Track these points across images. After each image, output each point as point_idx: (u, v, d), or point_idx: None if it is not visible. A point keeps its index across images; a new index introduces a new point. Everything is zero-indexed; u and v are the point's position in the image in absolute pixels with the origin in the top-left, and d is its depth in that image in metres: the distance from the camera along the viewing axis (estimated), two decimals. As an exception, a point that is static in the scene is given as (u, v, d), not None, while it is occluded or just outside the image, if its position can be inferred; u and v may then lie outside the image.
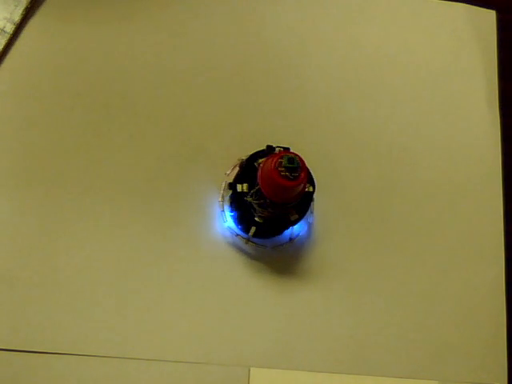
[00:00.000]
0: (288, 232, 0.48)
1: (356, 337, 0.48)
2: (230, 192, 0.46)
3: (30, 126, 0.49)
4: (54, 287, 0.45)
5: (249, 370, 0.46)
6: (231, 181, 0.47)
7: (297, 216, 0.45)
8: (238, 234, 0.48)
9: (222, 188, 0.48)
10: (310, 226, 0.49)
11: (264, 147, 0.46)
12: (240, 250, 0.48)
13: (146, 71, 0.51)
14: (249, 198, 0.44)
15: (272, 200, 0.43)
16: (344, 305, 0.49)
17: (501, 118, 0.56)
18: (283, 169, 0.40)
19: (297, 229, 0.48)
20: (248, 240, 0.47)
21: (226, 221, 0.48)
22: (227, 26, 0.54)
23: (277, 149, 0.46)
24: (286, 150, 0.45)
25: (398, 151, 0.53)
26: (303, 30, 0.55)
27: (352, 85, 0.55)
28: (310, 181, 0.46)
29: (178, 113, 0.51)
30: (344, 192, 0.51)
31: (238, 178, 0.46)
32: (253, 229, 0.46)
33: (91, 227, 0.47)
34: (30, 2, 0.51)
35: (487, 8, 0.59)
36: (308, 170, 0.43)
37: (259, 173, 0.43)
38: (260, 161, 0.45)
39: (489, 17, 0.59)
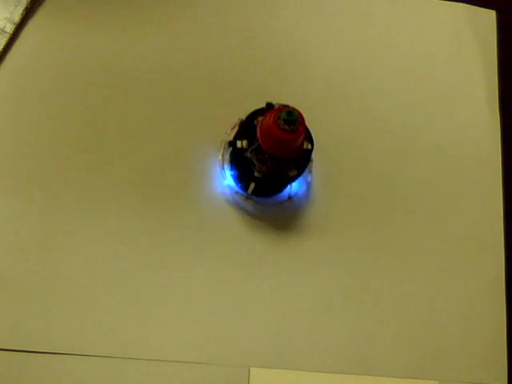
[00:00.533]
0: (287, 190, 0.49)
1: (356, 337, 0.48)
2: (230, 150, 0.47)
3: (30, 126, 0.49)
4: (54, 287, 0.45)
5: (249, 370, 0.46)
6: (231, 139, 0.47)
7: (296, 172, 0.45)
8: (237, 192, 0.48)
9: (222, 147, 0.49)
10: (308, 185, 0.50)
11: (264, 105, 0.46)
12: (240, 207, 0.49)
13: (146, 70, 0.51)
14: (248, 154, 0.44)
15: (271, 155, 0.43)
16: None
17: (501, 118, 0.56)
18: (282, 122, 0.41)
19: (295, 187, 0.49)
20: (247, 198, 0.48)
21: (225, 179, 0.48)
22: (227, 33, 0.54)
23: (276, 106, 0.46)
24: (286, 106, 0.45)
25: (397, 151, 0.53)
26: (303, 29, 0.55)
27: (351, 85, 0.55)
28: (309, 139, 0.46)
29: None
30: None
31: (238, 136, 0.46)
32: (252, 185, 0.46)
33: (91, 227, 0.47)
34: (30, 2, 0.51)
35: (487, 8, 0.59)
36: (307, 127, 0.44)
37: (259, 128, 0.44)
38: (260, 118, 0.45)
39: (489, 17, 0.59)
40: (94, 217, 0.47)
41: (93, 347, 0.45)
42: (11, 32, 0.50)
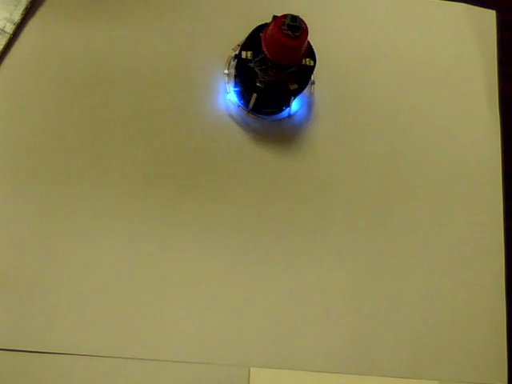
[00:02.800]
0: (287, 111, 0.50)
1: (356, 337, 0.48)
2: (235, 63, 0.48)
3: (29, 126, 0.49)
4: (54, 287, 0.45)
5: (249, 370, 0.46)
6: (237, 53, 0.48)
7: (296, 86, 0.47)
8: (239, 106, 0.50)
9: (228, 62, 0.51)
10: (309, 106, 0.52)
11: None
12: (241, 121, 0.51)
13: (146, 70, 0.51)
14: (252, 64, 0.46)
15: (274, 62, 0.44)
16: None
17: (501, 118, 0.56)
18: (286, 27, 0.43)
19: (296, 106, 0.50)
20: (249, 112, 0.50)
21: (228, 92, 0.50)
22: (227, 33, 0.54)
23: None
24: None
25: (396, 151, 0.53)
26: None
27: (351, 83, 0.55)
28: (312, 56, 0.47)
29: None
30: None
31: (244, 47, 0.47)
32: (254, 96, 0.47)
33: (91, 227, 0.47)
34: (30, 2, 0.51)
35: (487, 8, 0.59)
36: (310, 44, 0.46)
37: (263, 35, 0.45)
38: (266, 29, 0.46)
39: (489, 17, 0.59)
40: (94, 217, 0.47)
41: (93, 347, 0.45)
42: (11, 32, 0.50)
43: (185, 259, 0.48)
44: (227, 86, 0.50)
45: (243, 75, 0.48)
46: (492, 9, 0.59)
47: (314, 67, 0.47)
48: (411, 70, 0.56)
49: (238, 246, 0.48)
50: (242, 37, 0.48)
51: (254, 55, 0.46)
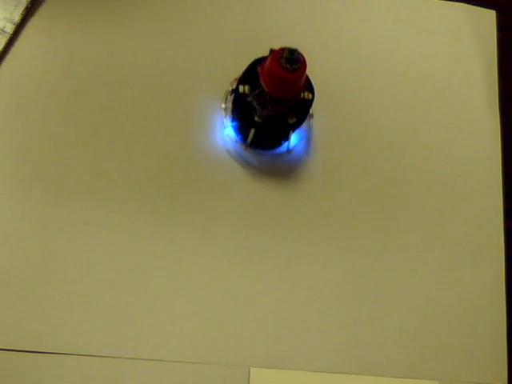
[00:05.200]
0: (286, 145, 0.50)
1: (356, 337, 0.48)
2: (233, 97, 0.48)
3: (30, 126, 0.49)
4: (54, 287, 0.45)
5: (249, 370, 0.46)
6: (234, 87, 0.48)
7: (295, 119, 0.46)
8: (237, 141, 0.49)
9: (225, 96, 0.50)
10: (308, 139, 0.51)
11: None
12: (239, 157, 0.50)
13: (146, 70, 0.52)
14: (250, 98, 0.45)
15: (272, 96, 0.43)
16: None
17: (501, 117, 0.56)
18: (284, 60, 0.42)
19: (294, 140, 0.50)
20: (247, 147, 0.49)
21: (226, 127, 0.49)
22: (227, 34, 0.54)
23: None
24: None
25: (396, 150, 0.53)
26: (302, 30, 0.55)
27: (351, 85, 0.55)
28: (310, 89, 0.47)
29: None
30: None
31: (241, 81, 0.47)
32: (252, 131, 0.47)
33: (91, 227, 0.47)
34: (30, 2, 0.51)
35: (487, 8, 0.59)
36: (308, 77, 0.45)
37: (261, 69, 0.44)
38: (263, 63, 0.45)
39: (489, 17, 0.59)
40: (94, 217, 0.47)
41: (93, 347, 0.45)
42: (11, 32, 0.50)
43: (185, 259, 0.48)
44: (224, 120, 0.49)
45: (241, 110, 0.47)
46: (492, 9, 0.59)
47: (312, 101, 0.47)
48: (411, 70, 0.56)
49: (238, 247, 0.48)
50: (239, 70, 0.48)
51: (252, 89, 0.45)
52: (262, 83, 0.44)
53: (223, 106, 0.50)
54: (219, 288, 0.47)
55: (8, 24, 0.50)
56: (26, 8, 0.50)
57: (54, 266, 0.46)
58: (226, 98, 0.50)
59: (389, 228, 0.51)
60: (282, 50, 0.42)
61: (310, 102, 0.47)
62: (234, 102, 0.48)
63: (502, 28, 0.59)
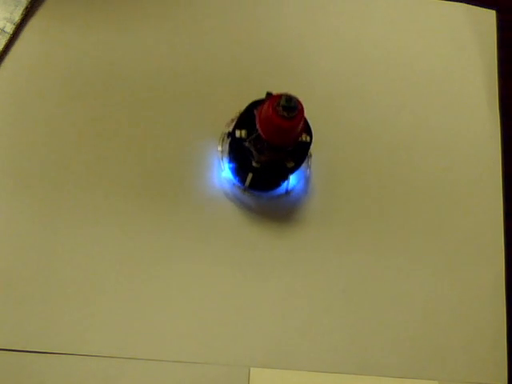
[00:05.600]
0: (284, 185, 0.49)
1: (356, 337, 0.48)
2: (229, 141, 0.47)
3: (30, 126, 0.49)
4: (54, 287, 0.45)
5: (249, 370, 0.46)
6: (230, 130, 0.47)
7: (293, 164, 0.45)
8: (235, 184, 0.48)
9: (221, 139, 0.49)
10: (306, 180, 0.50)
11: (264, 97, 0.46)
12: (237, 200, 0.49)
13: (146, 70, 0.52)
14: (247, 143, 0.44)
15: (269, 142, 0.43)
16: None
17: (501, 118, 0.56)
18: (281, 108, 0.41)
19: (293, 181, 0.49)
20: (245, 190, 0.48)
21: (223, 170, 0.48)
22: (227, 23, 0.54)
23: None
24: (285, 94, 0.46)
25: (397, 150, 0.53)
26: (302, 30, 0.55)
27: (351, 84, 0.55)
28: (308, 131, 0.46)
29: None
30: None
31: (237, 125, 0.46)
32: (250, 175, 0.46)
33: (91, 227, 0.47)
34: (30, 2, 0.51)
35: (487, 8, 0.59)
36: (306, 119, 0.44)
37: (257, 114, 0.43)
38: (259, 107, 0.45)
39: (489, 17, 0.59)
40: (94, 217, 0.47)
41: (93, 347, 0.45)
42: (11, 32, 0.50)
43: (185, 259, 0.48)
44: (221, 163, 0.48)
45: (238, 154, 0.46)
46: (492, 9, 0.59)
47: (310, 143, 0.46)
48: (411, 70, 0.56)
49: (238, 248, 0.48)
50: (234, 110, 0.47)
51: (249, 133, 0.44)
52: (259, 130, 0.43)
53: (220, 148, 0.49)
54: (219, 288, 0.47)
55: (8, 24, 0.50)
56: (26, 8, 0.50)
57: (54, 266, 0.46)
58: (223, 140, 0.49)
59: (389, 228, 0.51)
60: (279, 96, 0.41)
61: (308, 145, 0.46)
62: (231, 146, 0.47)
63: (502, 28, 0.59)
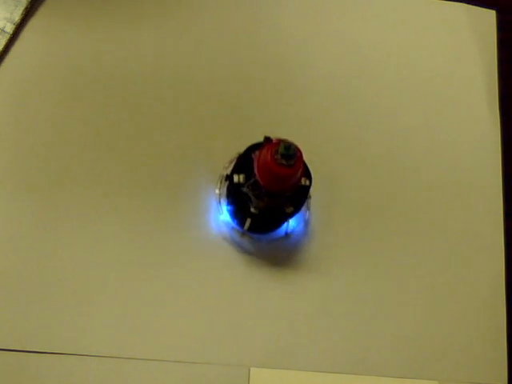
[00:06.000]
0: (284, 228, 0.48)
1: (356, 337, 0.48)
2: (227, 184, 0.46)
3: (30, 126, 0.49)
4: (54, 287, 0.45)
5: (249, 370, 0.46)
6: (228, 173, 0.46)
7: (292, 209, 0.45)
8: (233, 228, 0.48)
9: (219, 181, 0.48)
10: (306, 222, 0.49)
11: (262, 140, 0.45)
12: (236, 243, 0.48)
13: (146, 71, 0.52)
14: (245, 189, 0.44)
15: (268, 189, 0.42)
16: (342, 301, 0.49)
17: (501, 118, 0.56)
18: (279, 156, 0.40)
19: (293, 224, 0.48)
20: (243, 234, 0.47)
21: (221, 213, 0.47)
22: (226, 25, 0.54)
23: (274, 140, 0.45)
24: (283, 140, 0.44)
25: (397, 150, 0.54)
26: (302, 30, 0.55)
27: (351, 84, 0.55)
28: (307, 174, 0.45)
29: (178, 108, 0.51)
30: (342, 189, 0.51)
31: (235, 169, 0.45)
32: (248, 221, 0.45)
33: (91, 227, 0.47)
34: (30, 2, 0.51)
35: (487, 8, 0.59)
36: (305, 163, 0.43)
37: (256, 161, 0.43)
38: (257, 152, 0.44)
39: (489, 17, 0.59)
40: (95, 217, 0.47)
41: (93, 347, 0.45)
42: (11, 32, 0.50)
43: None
44: (219, 205, 0.47)
45: (236, 198, 0.45)
46: (492, 9, 0.59)
47: (310, 186, 0.45)
48: (411, 70, 0.56)
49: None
50: (233, 151, 0.46)
51: (247, 178, 0.44)
52: (258, 177, 0.42)
53: (217, 191, 0.48)
54: (219, 288, 0.47)
55: (8, 24, 0.50)
56: (26, 8, 0.50)
57: (53, 266, 0.46)
58: (221, 183, 0.48)
59: (388, 228, 0.51)
60: (278, 144, 0.40)
61: (307, 188, 0.45)
62: (229, 190, 0.46)
63: (502, 28, 0.59)
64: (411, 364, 0.48)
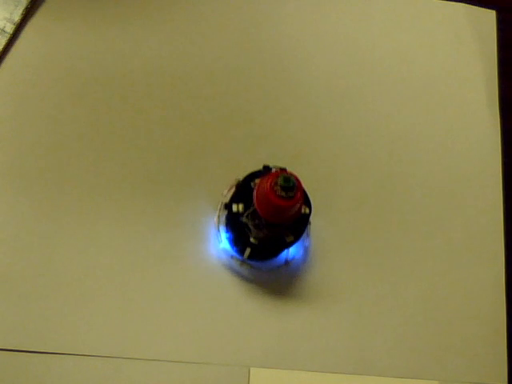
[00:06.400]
0: (284, 255, 0.47)
1: (356, 337, 0.48)
2: (226, 212, 0.46)
3: (29, 126, 0.49)
4: (54, 287, 0.45)
5: (249, 370, 0.46)
6: (227, 201, 0.46)
7: (292, 238, 0.44)
8: (232, 256, 0.47)
9: (218, 208, 0.48)
10: (306, 249, 0.49)
11: (261, 168, 0.45)
12: (235, 271, 0.47)
13: (146, 71, 0.52)
14: (244, 219, 0.43)
15: (267, 220, 0.42)
16: (342, 301, 0.49)
17: (501, 118, 0.56)
18: (279, 188, 0.40)
19: (293, 252, 0.48)
20: (243, 262, 0.47)
21: (221, 241, 0.47)
22: (227, 35, 0.54)
23: (273, 169, 0.45)
24: (283, 170, 0.44)
25: (398, 160, 0.53)
26: (302, 31, 0.55)
27: (352, 86, 0.55)
28: (307, 202, 0.45)
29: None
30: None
31: (234, 198, 0.45)
32: (248, 250, 0.45)
33: (91, 227, 0.47)
34: (30, 2, 0.51)
35: (487, 8, 0.59)
36: (304, 191, 0.43)
37: (255, 192, 0.42)
38: (256, 181, 0.44)
39: (489, 17, 0.59)
40: (94, 217, 0.47)
41: (93, 347, 0.45)
42: (11, 32, 0.50)
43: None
44: (219, 233, 0.47)
45: (235, 228, 0.45)
46: (492, 9, 0.59)
47: (310, 214, 0.45)
48: (411, 70, 0.56)
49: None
50: (231, 178, 0.46)
51: (246, 207, 0.43)
52: (257, 208, 0.42)
53: (216, 219, 0.47)
54: (219, 288, 0.47)
55: (8, 24, 0.50)
56: (26, 8, 0.50)
57: (53, 266, 0.46)
58: (220, 210, 0.47)
59: (389, 228, 0.51)
60: (277, 175, 0.40)
61: (307, 217, 0.45)
62: (228, 219, 0.46)
63: (502, 28, 0.59)
64: (411, 364, 0.48)
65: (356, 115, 0.54)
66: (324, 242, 0.50)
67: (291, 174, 0.40)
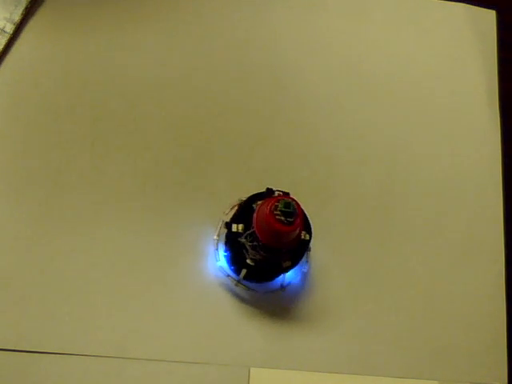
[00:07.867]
0: (280, 279, 0.47)
1: (356, 337, 0.48)
2: (226, 231, 0.45)
3: (29, 126, 0.49)
4: (54, 287, 0.45)
5: (249, 370, 0.46)
6: (228, 220, 0.46)
7: (289, 263, 0.44)
8: (228, 275, 0.47)
9: (219, 226, 0.48)
10: (304, 275, 0.48)
11: (264, 189, 0.45)
12: (230, 291, 0.47)
13: (146, 72, 0.52)
14: (242, 239, 0.43)
15: (266, 244, 0.42)
16: (342, 301, 0.49)
17: (501, 118, 0.56)
18: (279, 213, 0.40)
19: (289, 277, 0.47)
20: (238, 282, 0.47)
21: (218, 260, 0.47)
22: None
23: (276, 192, 0.45)
24: (286, 194, 0.44)
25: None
26: (302, 31, 0.55)
27: (352, 87, 0.55)
28: (307, 229, 0.45)
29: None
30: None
31: (235, 218, 0.45)
32: (243, 271, 0.45)
33: (91, 228, 0.47)
34: (30, 2, 0.51)
35: (487, 8, 0.59)
36: (306, 217, 0.42)
37: (255, 215, 0.42)
38: (258, 203, 0.44)
39: (489, 17, 0.59)
40: (94, 217, 0.47)
41: (93, 347, 0.45)
42: (11, 32, 0.50)
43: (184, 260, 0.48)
44: (217, 251, 0.47)
45: (233, 247, 0.45)
46: (492, 9, 0.59)
47: (309, 241, 0.44)
48: (411, 70, 0.56)
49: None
50: (234, 197, 0.46)
51: (246, 228, 0.43)
52: (256, 231, 0.42)
53: (216, 237, 0.47)
54: (219, 288, 0.47)
55: (8, 24, 0.50)
56: (26, 8, 0.50)
57: (53, 266, 0.46)
58: (220, 229, 0.47)
59: (389, 229, 0.51)
60: (278, 200, 0.40)
61: (307, 243, 0.45)
62: (227, 237, 0.46)
63: (502, 28, 0.59)
64: (411, 364, 0.48)
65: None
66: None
67: (292, 200, 0.40)
